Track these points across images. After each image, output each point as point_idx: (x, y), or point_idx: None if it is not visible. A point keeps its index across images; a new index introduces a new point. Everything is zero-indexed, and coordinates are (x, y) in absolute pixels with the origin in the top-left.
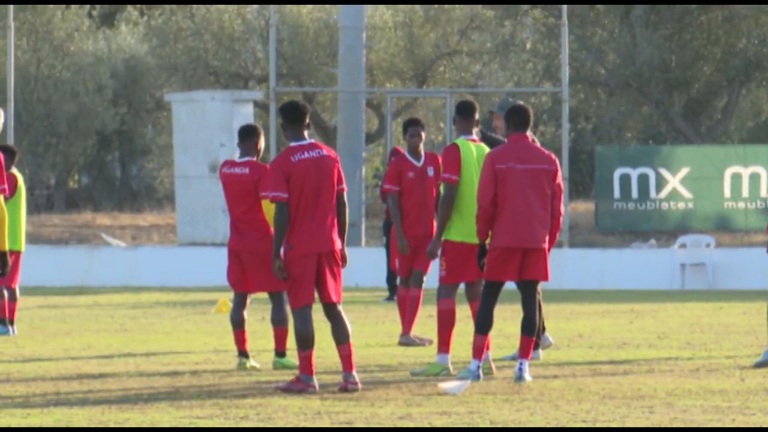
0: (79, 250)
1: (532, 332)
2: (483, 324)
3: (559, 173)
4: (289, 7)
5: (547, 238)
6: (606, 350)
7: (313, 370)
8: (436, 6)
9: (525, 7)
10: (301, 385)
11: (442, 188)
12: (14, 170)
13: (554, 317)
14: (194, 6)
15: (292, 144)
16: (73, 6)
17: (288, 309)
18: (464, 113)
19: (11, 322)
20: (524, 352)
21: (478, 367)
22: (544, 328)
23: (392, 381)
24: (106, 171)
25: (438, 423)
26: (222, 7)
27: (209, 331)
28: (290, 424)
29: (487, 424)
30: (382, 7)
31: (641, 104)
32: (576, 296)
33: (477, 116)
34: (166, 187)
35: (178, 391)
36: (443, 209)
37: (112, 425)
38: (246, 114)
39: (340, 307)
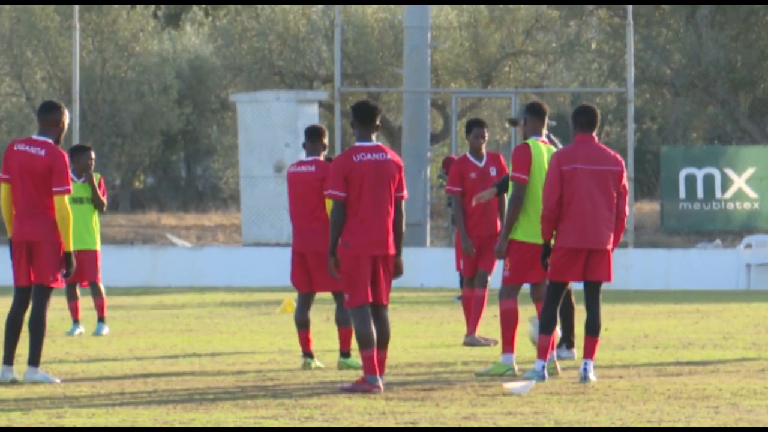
0: (144, 250)
1: (596, 333)
2: (547, 324)
3: (625, 174)
4: (354, 7)
5: (611, 240)
6: (671, 350)
7: (377, 370)
8: (501, 6)
9: (590, 6)
10: (366, 385)
11: (510, 187)
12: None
13: (619, 317)
14: (259, 6)
15: (357, 144)
16: (138, 6)
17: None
18: (536, 114)
19: (102, 319)
20: (589, 352)
21: (543, 367)
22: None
23: (457, 381)
24: (171, 171)
25: (503, 423)
26: (287, 7)
27: (274, 332)
28: (355, 425)
29: (552, 425)
30: (447, 7)
31: (707, 104)
32: (641, 296)
33: (547, 117)
34: (231, 187)
35: (243, 391)
36: (511, 209)
37: (177, 425)
38: (311, 114)
39: (387, 311)
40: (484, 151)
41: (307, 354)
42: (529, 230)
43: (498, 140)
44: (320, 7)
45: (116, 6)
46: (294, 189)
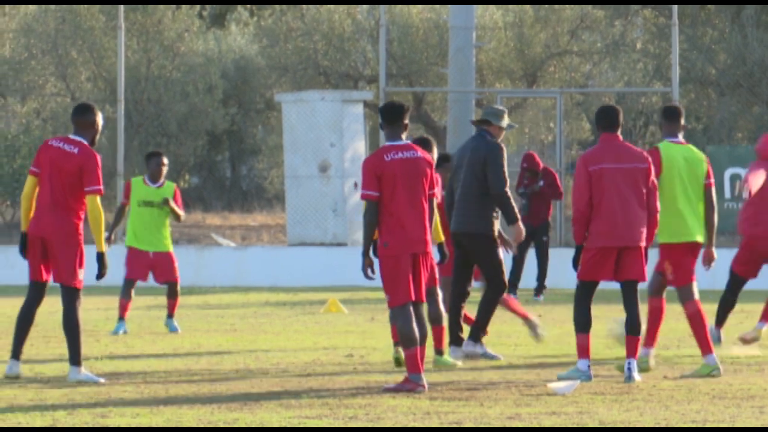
0: (189, 249)
1: (637, 332)
2: (582, 324)
3: (653, 170)
4: (399, 7)
5: (644, 237)
6: (716, 350)
7: (421, 369)
8: (547, 6)
9: (635, 6)
10: (411, 384)
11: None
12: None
13: (664, 317)
14: (304, 6)
15: (387, 143)
16: (183, 6)
17: (442, 307)
18: (670, 116)
19: (171, 316)
20: (632, 351)
21: (588, 366)
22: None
23: (501, 381)
24: (216, 171)
25: (547, 423)
26: (332, 7)
27: (318, 331)
28: (399, 424)
29: (596, 424)
30: (492, 7)
31: (752, 104)
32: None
33: (683, 120)
34: (276, 187)
35: (288, 390)
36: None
37: (221, 425)
38: (356, 114)
39: (422, 309)
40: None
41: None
42: (671, 231)
43: (543, 140)
44: (365, 7)
45: (161, 6)
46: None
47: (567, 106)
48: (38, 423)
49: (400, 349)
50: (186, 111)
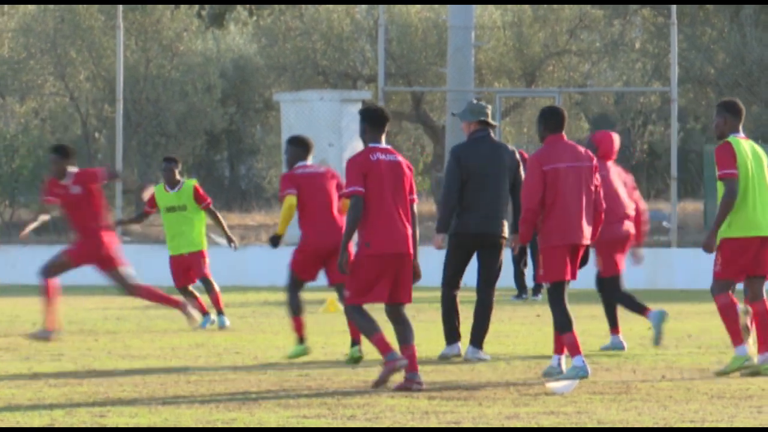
0: None
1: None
2: (566, 323)
3: (597, 168)
4: (397, 6)
5: (589, 235)
6: (714, 350)
7: (391, 347)
8: (545, 5)
9: (634, 6)
10: (391, 363)
11: (720, 186)
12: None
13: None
14: (303, 6)
15: (371, 145)
16: (182, 6)
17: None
18: (735, 112)
19: (220, 312)
20: (559, 348)
21: (583, 361)
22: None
23: (500, 381)
24: (215, 171)
25: (546, 423)
26: (331, 6)
27: (317, 331)
28: (397, 424)
29: (594, 424)
30: (490, 7)
31: (751, 103)
32: (685, 296)
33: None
34: (275, 186)
35: (286, 390)
36: (727, 205)
37: (219, 425)
38: (354, 114)
39: (404, 309)
40: None
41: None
42: (740, 225)
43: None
44: (364, 6)
45: (160, 6)
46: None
47: (566, 105)
48: (36, 423)
49: (362, 348)
50: (185, 110)
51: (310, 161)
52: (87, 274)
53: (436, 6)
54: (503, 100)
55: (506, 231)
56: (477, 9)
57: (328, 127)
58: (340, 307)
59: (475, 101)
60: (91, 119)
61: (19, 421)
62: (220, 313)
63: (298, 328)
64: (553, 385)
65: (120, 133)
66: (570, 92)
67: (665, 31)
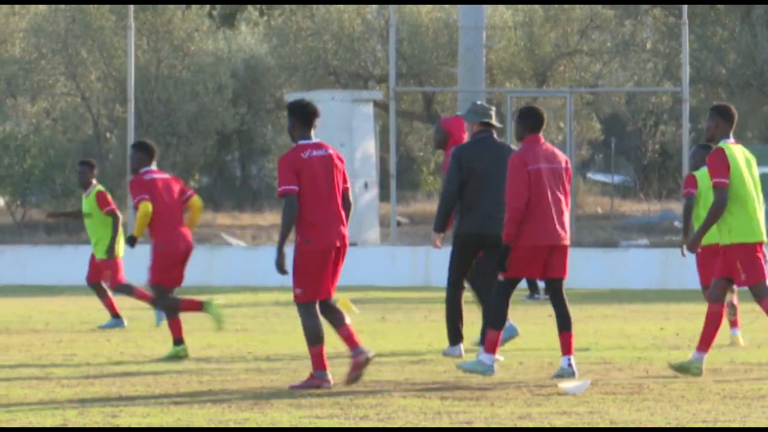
0: (199, 249)
1: (569, 327)
2: (501, 320)
3: (569, 170)
4: (408, 6)
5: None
6: (726, 350)
7: (326, 365)
8: (556, 5)
9: (645, 6)
10: (316, 381)
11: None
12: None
13: (675, 317)
14: (314, 6)
15: (301, 142)
16: (193, 6)
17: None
18: (728, 117)
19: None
20: (567, 348)
21: (493, 360)
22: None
23: (512, 381)
24: (226, 171)
25: (558, 423)
26: (342, 6)
27: (329, 331)
28: (410, 424)
29: (607, 424)
30: (501, 7)
31: (762, 103)
32: (699, 296)
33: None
34: None
35: (298, 390)
36: (715, 212)
37: (232, 425)
38: (366, 114)
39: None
40: None
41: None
42: (744, 230)
43: (553, 139)
44: (375, 6)
45: (171, 6)
46: None
47: (577, 105)
48: (49, 423)
49: (184, 346)
50: (196, 110)
51: (154, 166)
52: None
53: (447, 6)
54: (514, 101)
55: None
56: (488, 9)
57: (339, 127)
58: (353, 307)
59: (478, 102)
60: (102, 119)
61: (31, 421)
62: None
63: (174, 328)
64: (565, 385)
65: (131, 134)
66: (581, 92)
67: (676, 31)
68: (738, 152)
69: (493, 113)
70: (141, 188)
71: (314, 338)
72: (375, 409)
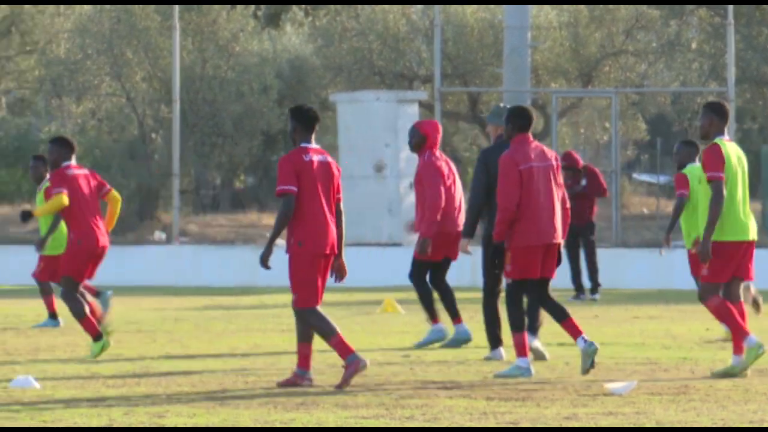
0: (244, 250)
1: (536, 330)
2: (520, 322)
3: (560, 167)
4: (453, 7)
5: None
6: None
7: (351, 348)
8: (601, 6)
9: (690, 6)
10: (353, 366)
11: (707, 189)
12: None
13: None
14: (359, 6)
15: (303, 144)
16: (238, 6)
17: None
18: (723, 114)
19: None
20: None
21: (528, 363)
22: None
23: (558, 381)
24: (272, 171)
25: (604, 423)
26: (387, 7)
27: (375, 331)
28: (455, 425)
29: (653, 425)
30: (546, 7)
31: None
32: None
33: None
34: None
35: (344, 390)
36: (716, 208)
37: (278, 425)
38: (411, 114)
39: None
40: None
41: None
42: (731, 229)
43: (598, 140)
44: (420, 7)
45: (216, 6)
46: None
47: (622, 106)
48: (95, 423)
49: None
50: (241, 111)
51: (74, 161)
52: (144, 274)
53: (492, 6)
54: (560, 101)
55: None
56: (533, 9)
57: (384, 127)
58: (398, 307)
59: (501, 105)
60: (147, 120)
61: (77, 421)
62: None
63: (88, 327)
64: (611, 385)
65: (177, 134)
66: (626, 92)
67: (721, 32)
68: (732, 150)
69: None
70: (62, 181)
71: (327, 333)
72: (421, 409)
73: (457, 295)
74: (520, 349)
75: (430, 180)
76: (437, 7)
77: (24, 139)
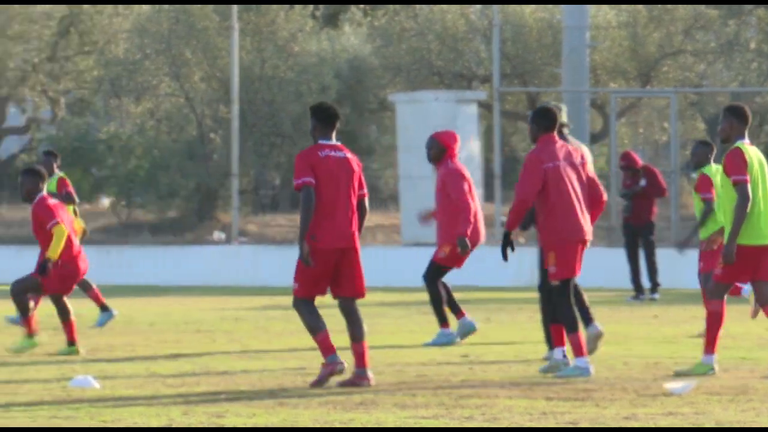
0: None
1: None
2: (574, 322)
3: (588, 163)
4: (512, 7)
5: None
6: None
7: (334, 348)
8: (660, 5)
9: (749, 6)
10: (330, 367)
11: (732, 192)
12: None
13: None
14: (417, 6)
15: (321, 141)
16: (296, 6)
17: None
18: (743, 117)
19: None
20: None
21: (587, 361)
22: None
23: (617, 381)
24: None
25: (663, 423)
26: (445, 7)
27: (433, 331)
28: (515, 424)
29: (712, 425)
30: (605, 7)
31: None
32: None
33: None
34: (390, 187)
35: (403, 390)
36: (742, 211)
37: (337, 425)
38: (470, 114)
39: (357, 305)
40: None
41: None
42: (748, 233)
43: (657, 140)
44: (478, 6)
45: (275, 6)
46: None
47: (681, 105)
48: (154, 423)
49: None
50: (300, 111)
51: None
52: (203, 274)
53: (551, 6)
54: (618, 101)
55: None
56: (591, 9)
57: (443, 127)
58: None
59: (548, 103)
60: (206, 120)
61: (137, 421)
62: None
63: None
64: (670, 385)
65: (236, 134)
66: (685, 92)
67: None
68: (753, 154)
69: (563, 113)
70: (53, 212)
71: (315, 328)
72: (480, 409)
73: (516, 294)
74: (578, 350)
75: (456, 185)
76: (496, 7)
77: (83, 139)
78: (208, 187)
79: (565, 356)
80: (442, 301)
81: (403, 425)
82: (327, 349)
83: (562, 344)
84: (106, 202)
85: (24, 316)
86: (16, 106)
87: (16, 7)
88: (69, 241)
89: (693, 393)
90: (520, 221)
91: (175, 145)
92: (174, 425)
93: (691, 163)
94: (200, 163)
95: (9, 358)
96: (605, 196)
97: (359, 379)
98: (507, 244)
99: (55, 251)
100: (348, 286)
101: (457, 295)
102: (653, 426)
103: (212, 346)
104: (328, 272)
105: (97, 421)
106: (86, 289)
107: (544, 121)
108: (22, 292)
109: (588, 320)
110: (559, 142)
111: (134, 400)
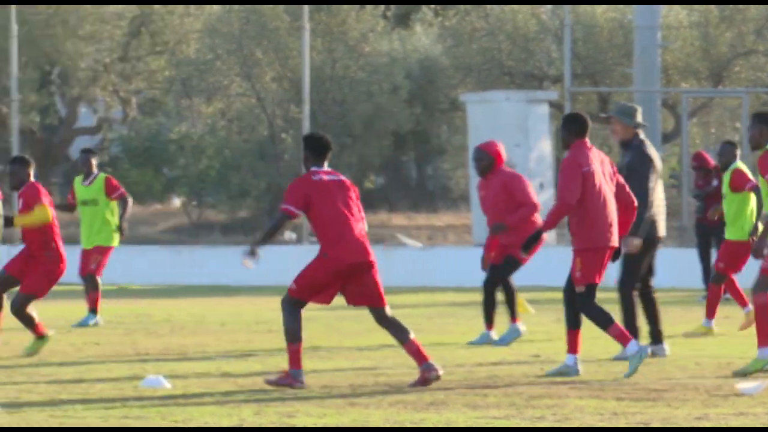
0: (375, 250)
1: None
2: (605, 320)
3: (616, 171)
4: (583, 6)
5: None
6: None
7: (301, 365)
8: (731, 5)
9: None
10: (290, 380)
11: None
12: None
13: None
14: (488, 6)
15: (313, 168)
16: (367, 6)
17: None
18: (765, 121)
19: (92, 311)
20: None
21: (638, 345)
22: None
23: (689, 381)
24: (402, 171)
25: (735, 424)
26: (516, 7)
27: (504, 331)
28: (586, 425)
29: None
30: (677, 7)
31: None
32: None
33: None
34: (462, 187)
35: (474, 390)
36: None
37: (408, 425)
38: (541, 114)
39: (389, 310)
40: None
41: None
42: None
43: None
44: (549, 6)
45: (346, 6)
46: None
47: (753, 105)
48: (225, 423)
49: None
50: (371, 111)
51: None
52: (274, 274)
53: (622, 6)
54: (690, 101)
55: (663, 230)
56: (663, 9)
57: (514, 127)
58: (529, 307)
59: (626, 103)
60: (277, 120)
61: (208, 421)
62: (91, 311)
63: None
64: (743, 385)
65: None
66: (757, 92)
67: None
68: None
69: (638, 113)
70: (43, 194)
71: (293, 336)
72: (551, 409)
73: (604, 294)
74: (622, 338)
75: (521, 188)
76: (567, 7)
77: (154, 139)
78: (279, 187)
79: (576, 363)
80: (514, 295)
81: (474, 425)
82: (296, 362)
83: (575, 351)
84: (177, 202)
85: (31, 327)
86: (88, 106)
87: (88, 7)
88: (56, 240)
89: (765, 393)
90: (555, 224)
91: (246, 145)
92: (245, 425)
93: (719, 164)
94: (271, 163)
95: (78, 357)
96: (636, 202)
97: (427, 372)
98: (536, 239)
99: (24, 220)
100: (365, 297)
101: (527, 295)
102: (725, 426)
103: (283, 345)
104: (333, 286)
105: (168, 421)
106: (93, 288)
107: (575, 126)
108: (23, 308)
109: (658, 340)
110: (592, 148)
111: (205, 399)
